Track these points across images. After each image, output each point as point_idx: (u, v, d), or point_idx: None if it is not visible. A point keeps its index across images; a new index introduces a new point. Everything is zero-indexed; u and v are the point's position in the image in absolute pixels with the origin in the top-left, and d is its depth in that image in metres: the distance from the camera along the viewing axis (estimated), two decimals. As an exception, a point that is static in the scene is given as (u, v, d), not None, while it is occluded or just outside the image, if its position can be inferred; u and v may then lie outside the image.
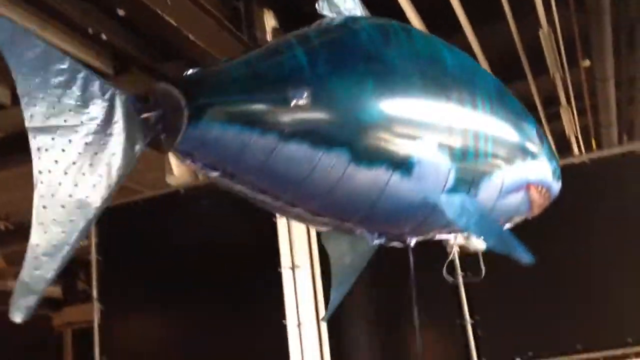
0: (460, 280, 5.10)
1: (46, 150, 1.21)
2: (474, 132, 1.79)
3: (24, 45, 1.19)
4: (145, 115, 1.33)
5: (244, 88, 1.41)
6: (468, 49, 5.63)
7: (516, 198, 2.08)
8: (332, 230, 1.95)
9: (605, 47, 6.15)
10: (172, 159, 5.23)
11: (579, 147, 8.46)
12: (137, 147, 1.30)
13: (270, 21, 5.22)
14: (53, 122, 1.22)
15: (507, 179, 1.96)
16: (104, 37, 4.63)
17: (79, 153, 1.24)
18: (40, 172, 1.20)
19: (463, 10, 5.43)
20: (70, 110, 1.24)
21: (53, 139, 1.21)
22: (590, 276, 4.66)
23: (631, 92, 7.83)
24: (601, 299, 4.76)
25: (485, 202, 1.89)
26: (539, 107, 7.18)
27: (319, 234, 5.55)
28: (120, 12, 4.36)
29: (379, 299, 5.33)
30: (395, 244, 1.95)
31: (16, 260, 4.02)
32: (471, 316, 5.04)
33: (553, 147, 2.34)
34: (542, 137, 2.20)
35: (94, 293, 5.14)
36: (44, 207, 1.21)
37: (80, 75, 1.26)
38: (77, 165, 1.24)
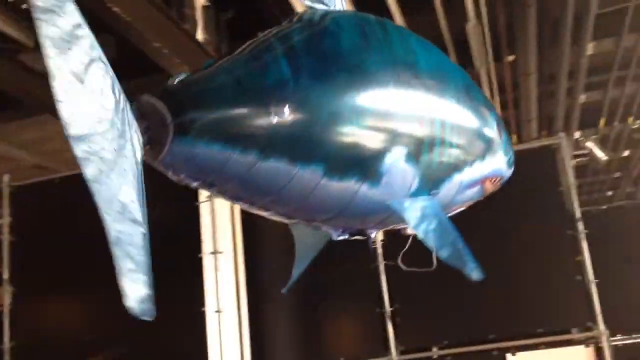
0: (382, 268, 5.18)
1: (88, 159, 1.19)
2: (440, 138, 1.83)
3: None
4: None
5: (227, 104, 1.43)
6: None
7: (472, 191, 2.15)
8: None
9: (529, 42, 6.30)
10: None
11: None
12: (140, 154, 1.31)
13: (199, -2, 5.08)
14: (92, 129, 1.19)
15: (466, 178, 2.02)
16: (24, 6, 4.40)
17: (113, 158, 1.23)
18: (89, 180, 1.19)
19: (394, -1, 5.44)
20: (105, 118, 1.22)
21: (90, 147, 1.19)
22: (504, 270, 4.78)
23: (552, 87, 8.06)
24: (514, 292, 4.91)
25: (443, 200, 1.96)
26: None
27: (244, 220, 5.52)
28: (40, -19, 4.13)
29: (299, 285, 5.34)
30: (358, 237, 2.01)
31: None
32: (390, 305, 5.11)
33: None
34: (501, 130, 2.25)
35: (5, 275, 4.94)
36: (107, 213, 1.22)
37: (110, 74, 1.22)
38: (115, 171, 1.23)
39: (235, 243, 5.01)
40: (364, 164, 1.62)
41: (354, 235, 1.99)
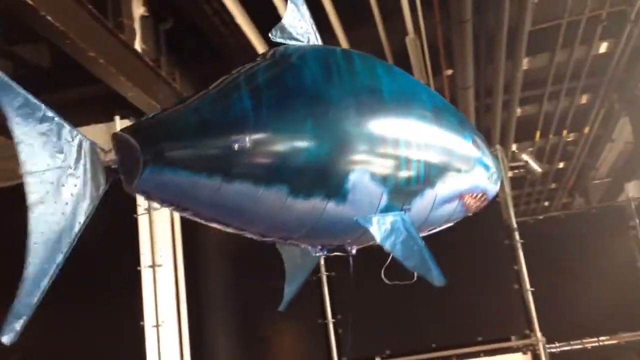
0: (324, 279, 5.17)
1: (34, 192, 1.42)
2: (406, 158, 1.90)
3: (11, 95, 1.39)
4: (107, 159, 1.54)
5: (192, 137, 1.59)
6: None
7: (451, 207, 2.20)
8: None
9: (467, 57, 6.44)
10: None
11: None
12: (101, 188, 1.52)
13: (138, 9, 5.00)
14: (39, 167, 1.43)
15: (440, 194, 2.07)
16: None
17: (58, 194, 1.45)
18: (31, 210, 1.42)
19: (335, 12, 5.48)
20: (50, 157, 1.44)
21: (40, 182, 1.43)
22: (446, 281, 4.83)
23: (488, 100, 8.26)
24: (454, 301, 4.96)
25: (418, 215, 2.03)
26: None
27: (184, 233, 5.44)
28: (-29, -12, 4.01)
29: (240, 298, 5.29)
30: (338, 253, 2.08)
31: None
32: (333, 315, 5.11)
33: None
34: (479, 145, 2.30)
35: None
36: (35, 243, 1.42)
37: (55, 120, 1.45)
38: (57, 205, 1.44)
39: (176, 256, 4.93)
40: (327, 184, 1.73)
41: (333, 252, 2.06)
